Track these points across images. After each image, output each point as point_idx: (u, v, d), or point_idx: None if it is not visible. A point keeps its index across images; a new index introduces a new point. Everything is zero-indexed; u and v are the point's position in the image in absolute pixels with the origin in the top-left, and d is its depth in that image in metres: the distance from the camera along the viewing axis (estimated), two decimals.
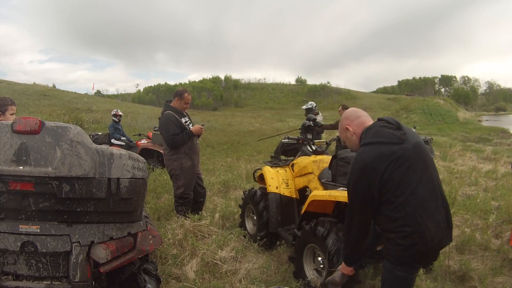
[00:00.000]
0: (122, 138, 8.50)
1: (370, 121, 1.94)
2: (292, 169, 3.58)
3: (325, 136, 7.66)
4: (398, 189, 1.69)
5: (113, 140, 8.32)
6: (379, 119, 1.91)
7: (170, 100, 4.32)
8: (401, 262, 1.74)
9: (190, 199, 4.22)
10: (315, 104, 7.50)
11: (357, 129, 1.92)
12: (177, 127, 4.03)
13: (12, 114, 2.90)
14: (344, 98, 56.59)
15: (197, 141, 4.33)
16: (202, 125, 4.29)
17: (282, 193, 3.46)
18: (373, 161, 1.73)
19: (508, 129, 22.15)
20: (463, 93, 77.55)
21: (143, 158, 2.05)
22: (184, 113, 4.34)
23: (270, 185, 3.52)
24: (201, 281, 2.90)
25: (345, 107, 7.30)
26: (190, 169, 4.12)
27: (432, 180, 1.79)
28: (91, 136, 7.89)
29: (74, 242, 1.76)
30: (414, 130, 1.97)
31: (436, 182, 1.81)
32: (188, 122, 4.28)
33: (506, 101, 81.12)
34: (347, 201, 2.55)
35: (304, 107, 7.53)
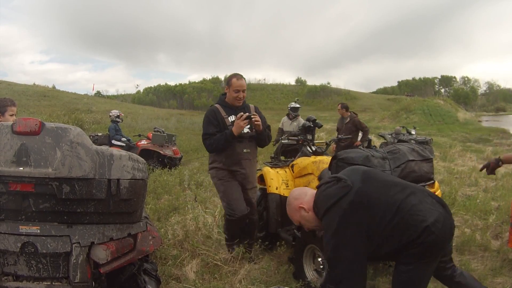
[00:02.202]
0: (123, 139, 8.52)
1: (314, 193, 1.96)
2: (292, 170, 3.58)
3: (325, 136, 7.63)
4: (383, 218, 1.71)
5: (113, 141, 8.33)
6: (317, 186, 1.96)
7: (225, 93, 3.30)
8: (416, 260, 1.73)
9: (235, 221, 3.18)
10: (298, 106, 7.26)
11: (309, 204, 1.92)
12: (213, 125, 3.09)
13: (11, 115, 2.89)
14: (344, 98, 56.58)
15: (246, 149, 3.16)
16: (248, 117, 2.96)
17: (282, 194, 3.46)
18: (343, 219, 1.73)
19: (508, 130, 22.13)
20: (463, 94, 77.56)
21: (143, 159, 2.05)
22: (246, 108, 3.25)
23: (270, 186, 3.52)
24: (201, 281, 2.90)
25: (344, 106, 7.24)
26: (228, 183, 3.17)
27: (400, 185, 1.84)
28: (91, 137, 7.89)
29: (74, 243, 1.76)
30: (356, 167, 2.02)
31: (399, 182, 1.89)
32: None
33: (506, 102, 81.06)
34: None
35: (292, 105, 7.22)
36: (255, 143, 3.29)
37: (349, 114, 7.14)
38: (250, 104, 3.34)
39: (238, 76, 3.13)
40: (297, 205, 1.95)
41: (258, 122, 3.04)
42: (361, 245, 1.73)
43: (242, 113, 2.99)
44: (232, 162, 3.14)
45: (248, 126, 3.06)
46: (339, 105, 7.35)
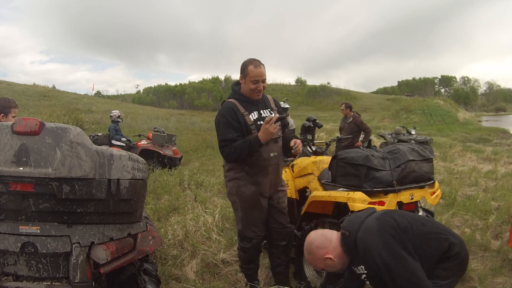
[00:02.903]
0: (123, 139, 8.52)
1: (335, 232, 1.87)
2: (292, 170, 3.58)
3: (325, 136, 7.60)
4: (414, 226, 1.74)
5: (113, 141, 8.33)
6: (339, 223, 1.98)
7: (239, 82, 2.63)
8: (456, 272, 1.75)
9: (255, 245, 2.70)
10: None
11: (337, 250, 1.80)
12: (233, 128, 2.46)
13: (14, 117, 2.92)
14: (344, 98, 56.49)
15: (273, 153, 2.58)
16: (279, 119, 2.39)
17: None
18: (380, 224, 1.70)
19: (508, 130, 22.13)
20: (463, 94, 77.51)
21: (143, 159, 2.05)
22: (266, 101, 2.67)
23: None
24: (201, 281, 2.90)
25: (348, 106, 7.14)
26: (251, 197, 2.57)
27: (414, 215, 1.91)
28: (91, 137, 7.89)
29: (74, 243, 1.76)
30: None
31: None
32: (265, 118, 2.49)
33: (506, 102, 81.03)
34: (346, 201, 2.57)
35: (281, 105, 7.21)
36: (280, 144, 2.67)
37: (353, 114, 7.08)
38: (267, 95, 2.75)
39: (255, 63, 2.47)
40: (323, 256, 1.79)
41: (298, 148, 2.49)
42: (405, 243, 1.68)
43: (270, 115, 2.39)
44: (257, 171, 2.55)
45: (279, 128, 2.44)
46: (343, 105, 7.28)
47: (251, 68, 2.46)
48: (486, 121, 36.95)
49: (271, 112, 2.64)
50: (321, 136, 13.03)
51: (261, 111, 2.58)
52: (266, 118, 2.36)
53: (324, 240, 1.82)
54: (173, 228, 3.82)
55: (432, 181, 2.72)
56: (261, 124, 2.43)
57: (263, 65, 2.52)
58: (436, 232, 1.75)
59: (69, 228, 1.78)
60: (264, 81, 2.52)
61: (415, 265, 1.62)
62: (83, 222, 1.82)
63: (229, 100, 2.59)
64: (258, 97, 2.56)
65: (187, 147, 12.41)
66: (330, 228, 2.69)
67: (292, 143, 2.52)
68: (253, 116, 2.54)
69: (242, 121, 2.49)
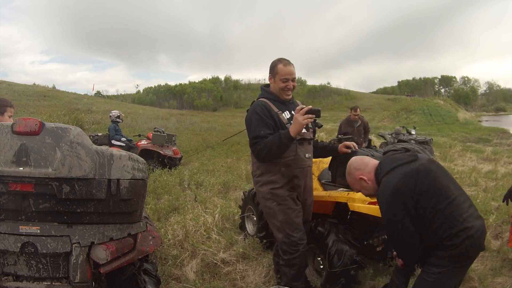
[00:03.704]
0: (122, 139, 8.52)
1: (376, 161, 2.02)
2: None
3: (325, 136, 7.57)
4: (432, 198, 1.77)
5: (113, 141, 8.33)
6: (384, 153, 2.05)
7: (268, 84, 2.61)
8: (450, 263, 1.76)
9: (303, 253, 2.45)
10: None
11: (371, 175, 1.97)
12: (267, 126, 2.35)
13: (10, 116, 2.93)
14: (344, 98, 56.61)
15: (309, 154, 2.52)
16: (312, 111, 2.22)
17: None
18: (401, 182, 1.79)
19: (508, 130, 22.13)
20: (463, 94, 77.60)
21: (143, 159, 2.05)
22: (295, 103, 2.57)
23: None
24: (201, 281, 2.90)
25: (355, 108, 6.92)
26: (290, 198, 2.45)
27: (455, 183, 1.91)
28: (91, 137, 7.89)
29: (74, 243, 1.76)
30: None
31: (458, 184, 1.93)
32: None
33: (506, 102, 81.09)
34: (346, 201, 2.57)
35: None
36: (312, 147, 2.60)
37: (359, 116, 6.91)
38: (296, 100, 2.65)
39: (284, 61, 2.44)
40: (358, 176, 2.01)
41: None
42: (411, 209, 1.77)
43: (302, 105, 2.22)
44: (294, 172, 2.42)
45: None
46: (356, 109, 6.92)
47: (280, 67, 2.43)
48: (486, 121, 36.97)
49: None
50: (321, 136, 13.04)
51: (293, 112, 2.43)
52: (297, 107, 2.23)
53: (361, 163, 2.03)
54: (173, 228, 3.82)
55: None
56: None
57: (292, 64, 2.48)
58: (447, 216, 1.75)
59: (69, 228, 1.78)
60: (294, 80, 2.47)
61: (409, 233, 1.79)
62: (83, 222, 1.82)
63: (260, 99, 2.50)
64: (288, 96, 2.50)
65: (187, 147, 12.40)
66: (330, 229, 2.70)
67: (351, 145, 2.62)
68: (286, 115, 2.46)
69: (276, 119, 2.40)
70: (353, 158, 2.10)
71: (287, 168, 2.40)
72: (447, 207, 1.77)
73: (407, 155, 1.93)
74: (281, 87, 2.44)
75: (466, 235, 1.74)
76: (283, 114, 2.44)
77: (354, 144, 2.68)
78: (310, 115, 2.19)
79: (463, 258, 1.78)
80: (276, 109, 2.43)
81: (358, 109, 6.92)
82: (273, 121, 2.38)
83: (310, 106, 2.22)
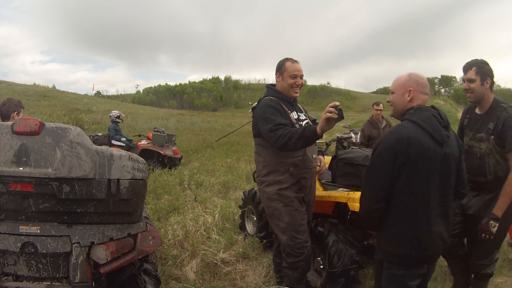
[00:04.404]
0: (122, 139, 8.53)
1: (426, 103, 1.85)
2: None
3: (325, 136, 7.50)
4: (411, 183, 1.68)
5: (113, 141, 8.33)
6: (433, 107, 1.84)
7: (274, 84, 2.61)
8: (397, 261, 1.75)
9: (307, 256, 2.42)
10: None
11: (415, 100, 1.80)
12: (282, 116, 2.34)
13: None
14: (344, 98, 56.56)
15: (315, 154, 2.55)
16: (337, 108, 2.02)
17: None
18: (410, 140, 1.67)
19: None
20: (463, 94, 77.32)
21: (143, 159, 2.05)
22: (299, 106, 2.63)
23: None
24: (201, 281, 2.90)
25: (377, 103, 5.76)
26: (297, 199, 2.43)
27: (444, 192, 1.77)
28: (91, 137, 7.89)
29: (74, 243, 1.76)
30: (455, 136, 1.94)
31: (447, 197, 1.80)
32: (303, 121, 2.51)
33: None
34: (346, 201, 2.57)
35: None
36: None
37: (383, 117, 5.62)
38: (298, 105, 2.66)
39: (292, 60, 2.47)
40: (409, 87, 1.81)
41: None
42: (396, 169, 1.69)
43: (335, 102, 2.09)
44: (302, 172, 2.41)
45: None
46: (379, 104, 5.49)
47: (288, 64, 2.44)
48: None
49: (306, 115, 2.60)
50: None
51: (299, 114, 2.50)
52: (330, 104, 2.06)
53: (425, 85, 1.84)
54: (173, 228, 3.82)
55: None
56: (301, 126, 2.41)
57: (299, 62, 2.50)
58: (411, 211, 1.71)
59: (69, 228, 1.78)
60: (302, 77, 2.48)
61: (381, 187, 1.72)
62: (83, 222, 1.82)
63: (268, 97, 2.48)
64: (296, 93, 2.49)
65: (187, 147, 12.41)
66: (330, 229, 2.70)
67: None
68: (294, 115, 2.46)
69: (287, 116, 2.39)
70: (425, 79, 1.88)
71: (295, 168, 2.38)
72: (417, 204, 1.70)
73: (440, 133, 1.73)
74: (290, 84, 2.44)
75: (413, 243, 1.70)
76: (292, 114, 2.45)
77: (322, 158, 2.65)
78: (330, 109, 2.03)
79: (405, 261, 1.75)
80: (285, 108, 2.42)
81: (381, 104, 5.54)
82: (286, 113, 2.39)
83: (338, 103, 2.07)
